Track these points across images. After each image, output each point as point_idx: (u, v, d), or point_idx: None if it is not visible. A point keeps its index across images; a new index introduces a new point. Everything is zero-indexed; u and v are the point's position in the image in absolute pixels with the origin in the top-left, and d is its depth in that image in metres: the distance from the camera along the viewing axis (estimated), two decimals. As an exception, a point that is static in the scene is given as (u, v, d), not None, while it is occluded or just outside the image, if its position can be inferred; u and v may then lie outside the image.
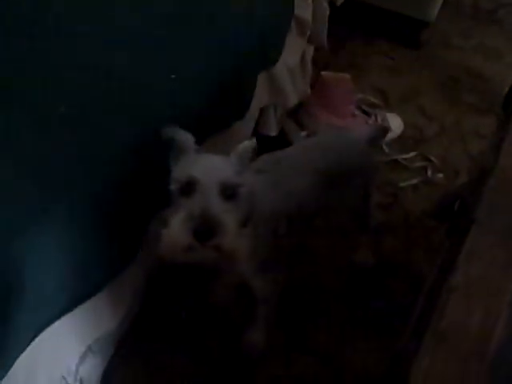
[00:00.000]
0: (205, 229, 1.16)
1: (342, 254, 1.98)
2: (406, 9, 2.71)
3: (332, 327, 1.80)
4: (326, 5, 2.17)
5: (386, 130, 1.85)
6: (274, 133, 2.21)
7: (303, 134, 2.33)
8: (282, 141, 2.26)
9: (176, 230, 1.18)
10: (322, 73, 2.34)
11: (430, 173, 2.29)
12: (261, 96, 1.99)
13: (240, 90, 1.80)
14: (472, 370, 0.84)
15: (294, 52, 2.10)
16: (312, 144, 1.79)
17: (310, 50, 2.31)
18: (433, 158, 2.34)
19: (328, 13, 2.21)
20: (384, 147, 2.35)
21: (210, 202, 1.18)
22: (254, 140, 1.28)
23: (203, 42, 1.64)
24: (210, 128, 1.71)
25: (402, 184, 2.25)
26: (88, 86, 1.43)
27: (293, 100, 2.19)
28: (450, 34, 2.94)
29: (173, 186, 1.24)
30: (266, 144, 2.13)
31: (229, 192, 1.22)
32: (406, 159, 2.34)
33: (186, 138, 1.30)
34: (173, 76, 1.52)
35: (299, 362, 1.73)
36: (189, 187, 1.21)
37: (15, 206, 1.18)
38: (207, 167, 1.24)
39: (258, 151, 1.77)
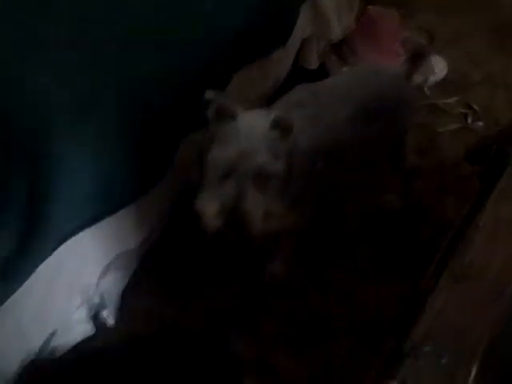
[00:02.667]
0: (232, 224, 1.22)
1: (372, 193, 1.96)
2: None
3: (353, 267, 1.80)
4: None
5: (423, 50, 1.78)
6: (314, 66, 2.17)
7: (344, 69, 2.27)
8: (322, 75, 2.21)
9: (205, 213, 1.24)
10: (369, 7, 2.27)
11: (469, 120, 2.24)
12: (304, 26, 1.95)
13: (282, 16, 1.78)
14: (486, 310, 0.83)
15: (341, -18, 2.04)
16: (350, 77, 1.75)
17: (359, -17, 2.24)
18: (474, 106, 2.27)
19: None
20: (426, 90, 2.29)
21: (244, 193, 1.22)
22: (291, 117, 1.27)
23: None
24: (250, 54, 1.69)
25: (440, 129, 2.20)
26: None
27: (337, 33, 2.14)
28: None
29: (209, 166, 1.27)
30: (305, 77, 2.10)
31: (264, 181, 1.24)
32: (446, 104, 2.28)
33: (228, 103, 1.30)
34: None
35: (315, 297, 1.73)
36: (226, 172, 1.24)
37: (53, 112, 1.19)
38: (246, 150, 1.24)
39: (297, 83, 1.76)
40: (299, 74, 2.12)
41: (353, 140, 1.58)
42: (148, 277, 1.71)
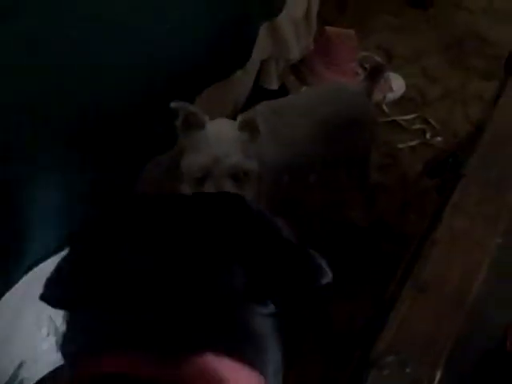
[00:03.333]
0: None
1: (336, 211, 1.98)
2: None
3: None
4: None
5: (381, 67, 1.81)
6: (274, 86, 2.19)
7: (304, 89, 2.31)
8: (283, 95, 2.24)
9: None
10: (326, 28, 2.31)
11: (428, 135, 2.28)
12: (263, 47, 1.96)
13: (241, 38, 1.78)
14: (447, 320, 0.85)
15: (298, 4, 2.07)
16: (311, 94, 1.77)
17: (316, 4, 2.27)
18: (433, 121, 2.32)
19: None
20: (384, 107, 2.34)
21: (223, 187, 1.23)
22: (253, 113, 1.30)
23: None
24: (210, 77, 1.69)
25: (400, 145, 2.24)
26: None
27: (295, 54, 2.16)
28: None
29: (184, 172, 1.29)
30: (266, 97, 2.12)
31: (240, 176, 1.26)
32: (405, 121, 2.32)
33: (197, 112, 1.31)
34: (171, 21, 1.50)
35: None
36: (202, 176, 1.26)
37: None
38: (218, 155, 1.25)
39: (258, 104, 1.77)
40: (260, 95, 2.14)
41: (314, 157, 1.60)
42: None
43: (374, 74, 1.73)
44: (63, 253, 1.27)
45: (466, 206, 0.98)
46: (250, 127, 1.30)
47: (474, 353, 0.85)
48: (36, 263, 1.30)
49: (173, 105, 1.30)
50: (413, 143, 2.25)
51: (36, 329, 1.39)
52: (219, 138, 1.28)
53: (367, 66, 2.32)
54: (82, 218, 1.38)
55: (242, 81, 1.94)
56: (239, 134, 1.29)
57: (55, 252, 1.33)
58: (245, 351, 0.53)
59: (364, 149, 1.78)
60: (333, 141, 1.59)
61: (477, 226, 0.97)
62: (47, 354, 1.46)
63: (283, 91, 2.26)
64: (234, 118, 1.72)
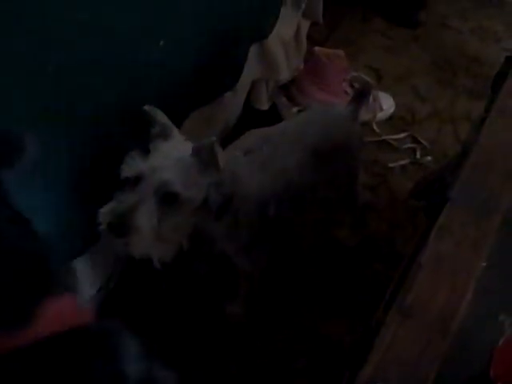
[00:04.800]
0: (117, 225, 1.17)
1: (325, 231, 1.98)
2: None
3: (312, 303, 1.82)
4: (322, -22, 2.15)
5: (367, 88, 1.83)
6: (265, 107, 2.21)
7: (294, 109, 2.32)
8: (273, 115, 2.26)
9: (101, 212, 1.19)
10: (316, 48, 2.32)
11: (418, 155, 2.29)
12: (253, 68, 1.98)
13: (230, 60, 1.80)
14: (432, 345, 0.85)
15: (288, 25, 2.09)
16: (300, 120, 1.78)
17: (306, 25, 2.30)
18: (422, 140, 2.33)
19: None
20: (374, 126, 2.35)
21: (142, 201, 1.18)
22: (214, 139, 1.22)
23: (194, 7, 1.60)
24: (199, 97, 1.70)
25: (391, 164, 2.24)
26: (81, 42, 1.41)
27: (285, 74, 2.18)
28: (447, 15, 2.90)
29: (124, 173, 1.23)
30: (256, 117, 2.14)
31: (167, 198, 1.20)
32: (395, 140, 2.33)
33: (164, 122, 1.29)
34: (161, 42, 1.51)
35: (278, 335, 1.74)
36: (135, 181, 1.21)
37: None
38: (157, 167, 1.21)
39: (249, 124, 1.78)
40: (251, 115, 2.16)
41: (305, 182, 1.60)
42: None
43: (361, 95, 1.74)
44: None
45: (451, 230, 0.99)
46: (206, 156, 1.22)
47: (459, 378, 0.85)
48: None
49: (146, 108, 1.27)
50: (403, 162, 2.26)
51: None
52: (168, 154, 1.24)
53: (357, 85, 2.34)
54: (67, 242, 1.38)
55: (233, 101, 1.96)
56: (191, 159, 1.23)
57: None
58: None
59: (352, 170, 1.79)
60: (322, 165, 1.60)
61: (462, 249, 0.97)
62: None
63: (274, 111, 2.28)
64: (226, 138, 1.73)
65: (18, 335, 0.57)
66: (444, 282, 0.92)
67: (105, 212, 1.19)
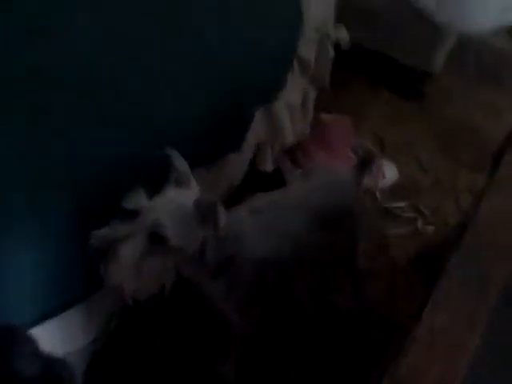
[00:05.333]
0: (102, 250, 1.19)
1: (323, 296, 1.97)
2: (411, 58, 2.73)
3: (305, 367, 1.80)
4: (330, 47, 2.20)
5: (372, 156, 1.85)
6: (269, 169, 2.22)
7: (298, 172, 2.34)
8: (277, 177, 2.28)
9: (93, 234, 1.21)
10: (322, 114, 2.36)
11: (419, 224, 2.30)
12: (258, 131, 2.01)
13: (236, 122, 1.83)
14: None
15: (295, 91, 2.13)
16: (304, 185, 1.80)
17: (312, 91, 2.34)
18: (424, 210, 2.34)
19: (332, 56, 2.24)
20: (377, 194, 2.36)
21: (132, 234, 1.20)
22: (216, 197, 1.26)
23: (203, 69, 1.65)
24: (204, 156, 1.72)
25: (391, 232, 2.25)
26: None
27: (290, 138, 2.21)
28: (452, 88, 2.96)
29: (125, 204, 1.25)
30: (260, 179, 2.16)
31: (156, 239, 1.21)
32: (397, 208, 2.35)
33: (183, 169, 1.32)
34: (169, 101, 1.54)
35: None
36: (133, 214, 1.23)
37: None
38: (156, 207, 1.23)
39: (253, 185, 1.80)
40: (255, 176, 2.17)
41: (307, 246, 1.60)
42: (96, 379, 1.67)
43: (364, 163, 1.76)
44: (43, 325, 1.28)
45: (447, 303, 0.99)
46: (206, 211, 1.23)
47: None
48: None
49: (168, 151, 1.31)
50: (404, 231, 2.27)
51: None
52: (172, 199, 1.26)
53: (360, 152, 2.36)
54: (66, 290, 1.38)
55: (237, 162, 1.97)
56: (191, 210, 1.24)
57: (34, 324, 1.32)
58: None
59: (353, 235, 1.79)
60: (324, 230, 1.60)
61: (457, 323, 0.97)
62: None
63: (278, 174, 2.30)
64: (229, 199, 1.75)
65: None
66: (438, 356, 0.91)
67: (96, 235, 1.20)
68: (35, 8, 1.24)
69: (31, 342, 0.68)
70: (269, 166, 2.21)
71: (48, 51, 1.26)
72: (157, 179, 1.31)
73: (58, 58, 1.28)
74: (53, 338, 1.40)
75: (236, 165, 1.99)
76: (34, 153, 1.29)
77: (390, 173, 2.41)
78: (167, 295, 1.30)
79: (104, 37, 1.39)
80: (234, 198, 1.66)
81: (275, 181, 2.18)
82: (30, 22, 1.23)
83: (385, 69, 2.83)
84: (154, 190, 1.28)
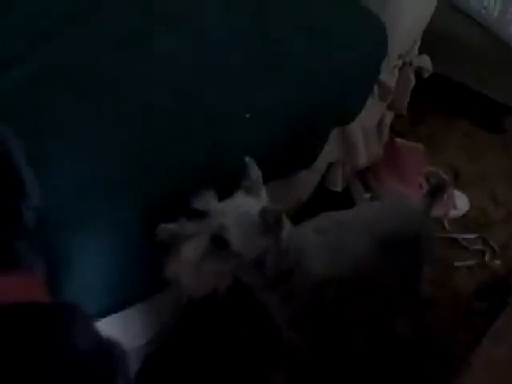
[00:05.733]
0: (166, 244, 1.23)
1: (382, 320, 1.97)
2: (492, 91, 2.69)
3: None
4: (411, 75, 2.20)
5: (444, 185, 1.83)
6: (338, 189, 2.23)
7: (367, 195, 2.34)
8: (346, 198, 2.29)
9: (161, 227, 1.25)
10: (397, 140, 2.37)
11: (487, 257, 2.27)
12: (331, 151, 2.02)
13: (310, 141, 1.85)
14: None
15: (372, 115, 2.14)
16: (373, 208, 1.80)
17: (390, 116, 2.34)
18: (493, 244, 2.31)
19: (413, 84, 2.24)
20: (445, 224, 2.34)
21: (197, 234, 1.22)
22: (280, 206, 1.26)
23: (284, 85, 1.69)
24: (275, 171, 1.72)
25: (457, 263, 2.23)
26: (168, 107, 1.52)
27: (363, 161, 2.22)
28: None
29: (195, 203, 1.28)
30: (329, 198, 2.18)
31: (218, 242, 1.23)
32: (465, 239, 2.32)
33: (256, 178, 1.34)
34: (248, 115, 1.58)
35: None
36: (201, 214, 1.26)
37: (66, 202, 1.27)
38: (223, 211, 1.26)
39: (320, 204, 1.81)
40: (324, 195, 2.19)
41: (369, 270, 1.61)
42: (150, 379, 1.72)
43: (436, 191, 1.76)
44: (105, 320, 1.32)
45: (507, 335, 0.98)
46: (270, 220, 1.25)
47: None
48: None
49: (246, 159, 1.34)
50: (470, 263, 2.24)
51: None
52: (240, 206, 1.29)
53: (433, 181, 2.34)
54: (131, 287, 1.43)
55: (307, 180, 2.00)
56: (256, 218, 1.26)
57: (96, 318, 1.36)
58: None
59: (418, 263, 1.78)
60: (388, 255, 1.60)
61: (516, 357, 0.96)
62: None
63: (347, 194, 2.31)
64: (295, 215, 1.76)
65: None
66: (493, 387, 0.91)
67: (163, 228, 1.24)
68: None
69: (88, 319, 0.73)
70: (338, 186, 2.22)
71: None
72: (229, 184, 1.35)
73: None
74: (114, 333, 1.44)
75: (305, 182, 2.01)
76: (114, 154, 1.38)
77: (461, 203, 2.39)
78: (221, 299, 1.33)
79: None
80: (301, 214, 1.67)
81: (343, 201, 2.19)
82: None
83: (466, 100, 2.81)
84: (225, 194, 1.32)
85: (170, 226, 1.25)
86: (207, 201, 1.28)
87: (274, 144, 1.67)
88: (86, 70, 1.53)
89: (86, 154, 1.36)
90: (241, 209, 1.28)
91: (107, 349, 0.72)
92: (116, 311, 1.41)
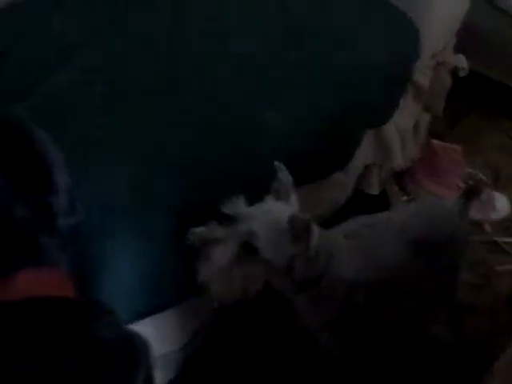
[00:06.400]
0: (197, 249, 1.25)
1: (418, 323, 1.93)
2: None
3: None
4: (447, 74, 2.17)
5: (479, 186, 1.79)
6: (375, 192, 2.21)
7: (404, 198, 2.31)
8: (382, 201, 2.26)
9: (192, 232, 1.27)
10: (434, 141, 2.33)
11: (529, 261, 2.21)
12: (366, 153, 2.01)
13: (344, 142, 1.84)
14: None
15: (407, 115, 2.12)
16: (407, 211, 1.77)
17: (426, 118, 2.31)
18: (535, 248, 2.25)
19: (449, 83, 2.21)
20: (486, 226, 2.29)
21: (227, 239, 1.24)
22: (309, 216, 1.26)
23: (314, 86, 1.69)
24: (310, 174, 1.73)
25: (498, 267, 2.17)
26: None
27: (399, 162, 2.19)
28: None
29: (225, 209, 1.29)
30: (365, 201, 2.15)
31: (247, 248, 1.24)
32: (506, 243, 2.26)
33: (286, 183, 1.34)
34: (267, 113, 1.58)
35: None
36: (230, 219, 1.27)
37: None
38: (253, 217, 1.26)
39: (357, 207, 1.79)
40: (360, 198, 2.17)
41: (403, 273, 1.58)
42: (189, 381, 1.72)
43: (471, 192, 1.72)
44: (140, 322, 1.33)
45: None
46: (299, 229, 1.25)
47: None
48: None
49: (276, 164, 1.34)
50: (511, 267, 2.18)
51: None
52: (269, 212, 1.29)
53: (471, 182, 2.31)
54: (166, 291, 1.43)
55: (342, 182, 1.98)
56: (285, 226, 1.25)
57: (131, 322, 1.35)
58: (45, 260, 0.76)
59: (453, 266, 1.75)
60: (423, 258, 1.58)
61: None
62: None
63: (383, 197, 2.28)
64: (331, 218, 1.75)
65: None
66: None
67: (193, 232, 1.26)
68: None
69: (111, 313, 0.76)
70: (375, 189, 2.20)
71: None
72: (259, 189, 1.36)
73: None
74: (149, 337, 1.45)
75: (341, 185, 2.00)
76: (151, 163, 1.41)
77: (501, 206, 2.33)
78: (251, 304, 1.33)
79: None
80: (335, 218, 1.66)
81: (380, 204, 2.16)
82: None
83: (506, 99, 2.74)
84: (255, 198, 1.32)
85: (200, 230, 1.26)
86: (237, 206, 1.28)
87: (306, 146, 1.67)
88: (123, 72, 1.58)
89: (125, 164, 1.39)
90: (270, 215, 1.28)
91: (130, 340, 0.75)
92: (149, 315, 1.42)
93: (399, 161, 2.17)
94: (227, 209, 1.28)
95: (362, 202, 2.14)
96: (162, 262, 1.37)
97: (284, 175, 1.34)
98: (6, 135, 0.79)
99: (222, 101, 1.57)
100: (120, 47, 1.68)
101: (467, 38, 2.23)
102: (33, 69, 1.60)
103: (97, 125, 1.44)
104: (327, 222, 1.49)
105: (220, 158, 1.48)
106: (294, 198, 1.36)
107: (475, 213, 1.92)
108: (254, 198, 1.32)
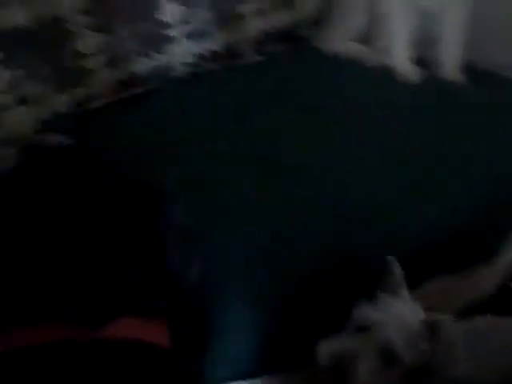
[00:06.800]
0: (336, 368, 1.19)
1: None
2: None
3: None
4: None
5: None
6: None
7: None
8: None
9: (320, 350, 1.22)
10: None
11: None
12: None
13: (491, 233, 1.76)
14: None
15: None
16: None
17: None
18: None
19: None
20: None
21: (363, 351, 1.19)
22: (441, 321, 1.23)
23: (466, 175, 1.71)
24: (446, 264, 1.66)
25: None
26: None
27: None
28: None
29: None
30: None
31: (387, 357, 1.20)
32: None
33: (398, 277, 1.31)
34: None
35: None
36: (359, 328, 1.23)
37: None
38: (385, 322, 1.22)
39: (500, 306, 1.65)
40: (506, 296, 2.00)
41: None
42: None
43: None
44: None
45: None
46: (430, 329, 1.22)
47: None
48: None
49: (389, 258, 1.30)
50: None
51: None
52: (397, 313, 1.24)
53: None
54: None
55: (485, 275, 1.85)
56: (420, 327, 1.22)
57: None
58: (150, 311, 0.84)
59: None
60: None
61: None
62: None
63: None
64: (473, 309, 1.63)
65: (95, 332, 0.76)
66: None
67: (324, 351, 1.21)
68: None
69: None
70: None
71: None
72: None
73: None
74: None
75: (485, 277, 1.86)
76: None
77: None
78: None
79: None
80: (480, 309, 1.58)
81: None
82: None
83: None
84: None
85: (330, 346, 1.22)
86: (366, 314, 1.25)
87: (448, 234, 1.62)
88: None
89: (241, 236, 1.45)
90: (401, 318, 1.24)
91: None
92: (246, 378, 1.41)
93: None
94: (359, 321, 1.25)
95: (507, 301, 1.97)
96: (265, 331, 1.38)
97: (397, 269, 1.31)
98: (141, 207, 0.87)
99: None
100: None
101: None
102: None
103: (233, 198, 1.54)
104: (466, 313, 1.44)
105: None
106: (405, 291, 1.31)
107: None
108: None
